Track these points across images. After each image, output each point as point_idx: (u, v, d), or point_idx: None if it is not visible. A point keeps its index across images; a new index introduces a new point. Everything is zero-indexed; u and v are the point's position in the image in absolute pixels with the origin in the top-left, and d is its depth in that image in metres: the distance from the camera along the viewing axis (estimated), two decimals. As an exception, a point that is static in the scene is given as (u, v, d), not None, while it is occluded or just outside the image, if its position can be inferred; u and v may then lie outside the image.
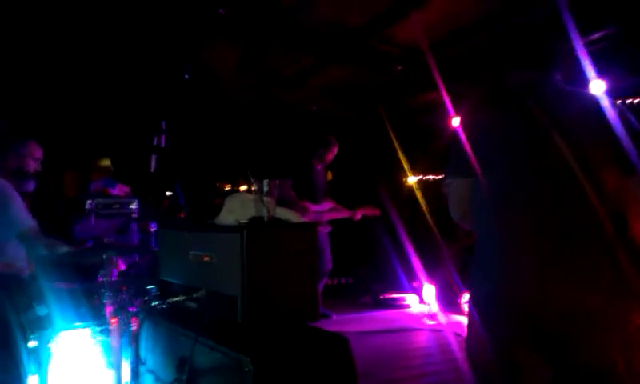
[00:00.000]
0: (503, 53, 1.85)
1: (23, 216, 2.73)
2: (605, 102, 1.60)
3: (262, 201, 1.88)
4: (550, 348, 1.54)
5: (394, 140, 6.40)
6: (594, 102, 1.62)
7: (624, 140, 1.54)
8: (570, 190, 1.53)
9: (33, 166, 2.90)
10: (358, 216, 4.89)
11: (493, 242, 1.68)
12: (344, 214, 4.84)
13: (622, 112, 1.60)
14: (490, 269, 1.68)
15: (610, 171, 1.54)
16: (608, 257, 1.50)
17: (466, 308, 5.30)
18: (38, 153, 2.95)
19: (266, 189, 1.88)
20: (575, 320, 1.49)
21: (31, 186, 2.91)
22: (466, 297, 5.33)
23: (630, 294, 1.48)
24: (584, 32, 3.88)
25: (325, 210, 4.76)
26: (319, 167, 5.08)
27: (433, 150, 6.38)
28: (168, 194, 3.34)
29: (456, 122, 5.36)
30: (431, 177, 7.16)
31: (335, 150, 5.11)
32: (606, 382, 1.49)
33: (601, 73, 4.23)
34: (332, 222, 4.85)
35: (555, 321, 1.51)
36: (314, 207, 4.62)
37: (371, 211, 5.11)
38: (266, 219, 1.87)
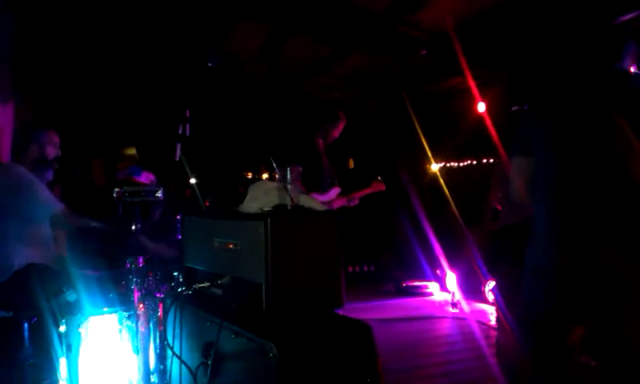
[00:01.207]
0: (528, 37, 1.90)
1: (52, 199, 2.80)
2: None
3: (286, 188, 1.88)
4: (600, 324, 1.56)
5: (418, 126, 6.32)
6: None
7: None
8: (628, 169, 1.60)
9: (53, 152, 2.96)
10: (355, 202, 4.49)
11: (550, 219, 1.75)
12: (342, 202, 4.42)
13: None
14: (548, 244, 1.74)
15: None
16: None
17: (490, 296, 5.25)
18: (56, 138, 3.00)
19: (289, 176, 1.88)
20: (632, 293, 1.54)
21: (50, 174, 2.97)
22: (490, 284, 5.28)
23: None
24: (617, 13, 3.76)
25: (333, 199, 4.33)
26: (322, 146, 4.51)
27: (457, 136, 6.29)
28: (192, 181, 3.36)
29: (481, 107, 5.27)
30: (455, 163, 7.07)
31: (341, 126, 4.53)
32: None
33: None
34: (343, 210, 4.43)
35: (608, 296, 1.56)
36: (320, 197, 4.16)
37: (373, 189, 4.66)
38: (289, 207, 1.87)
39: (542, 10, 3.94)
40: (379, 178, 4.66)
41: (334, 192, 4.34)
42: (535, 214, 1.82)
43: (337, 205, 4.35)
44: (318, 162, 4.35)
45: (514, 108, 3.48)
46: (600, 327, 1.57)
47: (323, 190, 4.25)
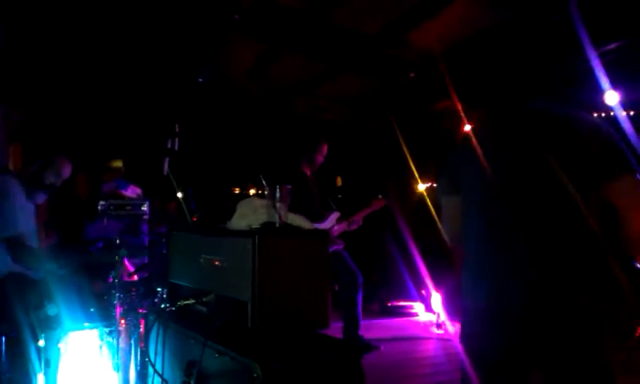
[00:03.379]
0: (505, 65, 1.89)
1: (13, 221, 2.72)
2: (585, 117, 1.63)
3: (274, 206, 1.88)
4: (544, 354, 1.56)
5: (405, 147, 6.38)
6: (574, 120, 1.63)
7: (609, 147, 1.58)
8: (555, 203, 1.57)
9: (51, 178, 2.93)
10: (354, 226, 4.40)
11: (480, 254, 1.74)
12: (342, 227, 4.32)
13: (598, 123, 1.62)
14: (480, 281, 1.73)
15: (596, 180, 1.57)
16: (597, 263, 1.54)
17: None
18: (62, 169, 2.98)
19: (278, 194, 1.88)
20: (568, 325, 1.53)
21: (41, 197, 2.93)
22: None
23: (623, 298, 1.51)
24: (598, 43, 3.85)
25: (332, 225, 4.21)
26: (308, 173, 4.40)
27: (444, 157, 6.35)
28: (179, 195, 3.35)
29: (468, 129, 5.33)
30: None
31: (325, 150, 4.41)
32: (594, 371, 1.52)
33: (614, 84, 4.21)
34: (344, 236, 4.35)
35: (549, 327, 1.54)
36: (320, 225, 4.10)
37: (374, 207, 4.56)
38: (277, 225, 1.87)
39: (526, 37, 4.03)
40: (380, 195, 4.62)
41: (334, 217, 4.25)
42: (469, 249, 1.80)
43: (337, 230, 4.25)
44: (306, 189, 4.27)
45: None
46: (545, 346, 1.56)
47: (318, 218, 4.15)
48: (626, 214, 1.56)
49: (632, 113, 4.66)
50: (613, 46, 4.20)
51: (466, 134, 1.96)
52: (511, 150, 1.68)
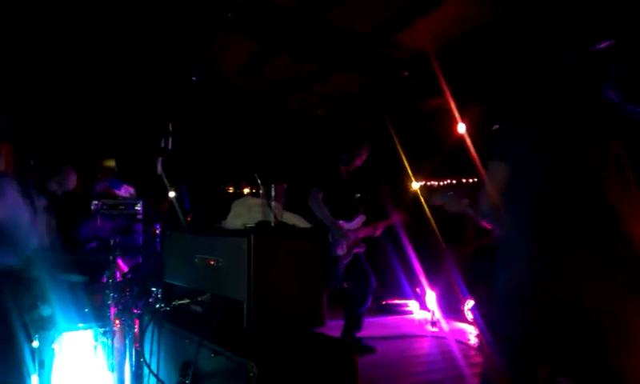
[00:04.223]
0: (508, 60, 1.88)
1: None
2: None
3: (269, 205, 1.88)
4: (570, 348, 1.55)
5: (399, 145, 6.39)
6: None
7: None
8: (593, 194, 1.57)
9: (54, 186, 2.94)
10: (378, 232, 4.46)
11: (520, 240, 1.71)
12: (368, 231, 4.35)
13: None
14: (516, 267, 1.70)
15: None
16: (633, 262, 1.52)
17: (469, 315, 5.28)
18: (66, 179, 2.98)
19: (273, 193, 1.88)
20: (597, 323, 1.51)
21: (42, 201, 2.93)
22: (469, 303, 5.31)
23: None
24: (588, 41, 3.87)
25: (359, 227, 4.24)
26: (344, 172, 4.38)
27: (437, 155, 6.37)
28: (171, 195, 3.34)
29: (462, 127, 5.35)
30: (435, 182, 7.14)
31: (365, 155, 4.42)
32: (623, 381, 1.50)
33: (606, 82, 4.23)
34: (367, 240, 4.37)
35: (577, 323, 1.53)
36: (346, 225, 4.11)
37: (397, 219, 4.68)
38: (272, 224, 1.87)
39: (521, 34, 4.05)
40: (399, 211, 4.68)
41: (360, 220, 4.26)
42: (509, 231, 1.77)
43: (362, 234, 4.26)
44: (343, 189, 4.26)
45: (495, 127, 3.52)
46: (576, 351, 1.55)
47: (347, 217, 4.17)
48: None
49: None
50: (604, 45, 4.23)
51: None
52: (573, 134, 1.68)
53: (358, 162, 4.41)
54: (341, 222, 4.04)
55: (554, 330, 1.58)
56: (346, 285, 4.24)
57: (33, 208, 2.81)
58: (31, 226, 2.79)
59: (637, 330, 1.49)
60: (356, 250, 4.15)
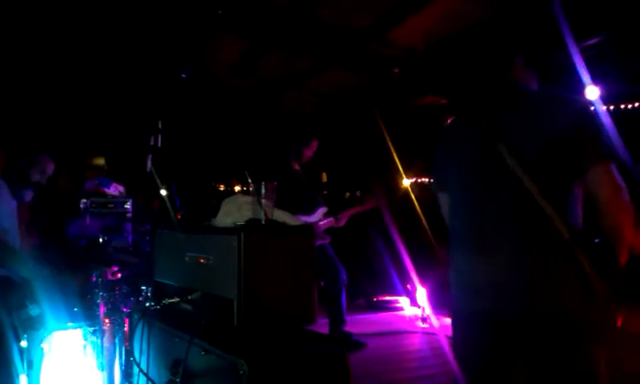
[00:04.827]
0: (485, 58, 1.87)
1: None
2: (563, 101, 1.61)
3: (260, 203, 1.87)
4: (531, 354, 1.56)
5: (390, 142, 6.40)
6: (552, 101, 1.62)
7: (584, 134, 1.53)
8: (521, 198, 1.52)
9: (37, 177, 2.90)
10: (342, 222, 4.43)
11: (460, 250, 1.75)
12: (330, 222, 4.34)
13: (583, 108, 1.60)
14: (460, 278, 1.75)
15: (570, 173, 1.54)
16: (567, 262, 1.50)
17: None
18: (47, 167, 2.95)
19: (263, 191, 1.88)
20: (551, 327, 1.51)
21: (28, 194, 2.90)
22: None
23: (593, 296, 1.49)
24: (579, 38, 3.90)
25: (319, 219, 4.23)
26: (297, 167, 4.43)
27: (428, 152, 6.40)
28: (162, 193, 3.32)
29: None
30: (426, 179, 7.17)
31: (315, 146, 4.46)
32: (583, 377, 1.51)
33: (595, 79, 4.27)
34: (329, 231, 4.35)
35: (532, 329, 1.54)
36: (307, 218, 4.07)
37: (365, 206, 4.63)
38: (263, 222, 1.86)
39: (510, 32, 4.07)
40: (370, 196, 4.67)
41: (321, 211, 4.27)
42: (451, 251, 1.80)
43: (324, 225, 4.26)
44: (296, 183, 4.27)
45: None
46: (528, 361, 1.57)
47: (306, 211, 4.16)
48: (601, 209, 1.53)
49: (612, 107, 4.74)
50: (593, 41, 4.26)
51: (443, 125, 1.97)
52: (475, 144, 1.67)
53: (309, 154, 4.43)
54: (300, 216, 4.02)
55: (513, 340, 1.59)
56: (322, 283, 4.24)
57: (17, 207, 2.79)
58: (17, 227, 2.77)
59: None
60: (320, 242, 4.14)
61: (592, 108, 1.66)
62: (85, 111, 5.52)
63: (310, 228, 2.06)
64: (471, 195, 1.69)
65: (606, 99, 4.53)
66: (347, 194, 6.48)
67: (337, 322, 4.16)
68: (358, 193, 4.67)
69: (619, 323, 1.46)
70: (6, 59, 4.62)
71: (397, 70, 4.99)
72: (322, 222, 4.24)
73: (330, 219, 4.33)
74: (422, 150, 6.55)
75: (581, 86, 4.30)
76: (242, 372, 1.53)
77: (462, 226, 1.73)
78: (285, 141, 4.47)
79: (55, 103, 5.33)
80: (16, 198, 2.79)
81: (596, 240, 1.53)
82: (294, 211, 3.94)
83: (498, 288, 1.59)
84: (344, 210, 4.47)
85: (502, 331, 1.59)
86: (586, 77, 4.18)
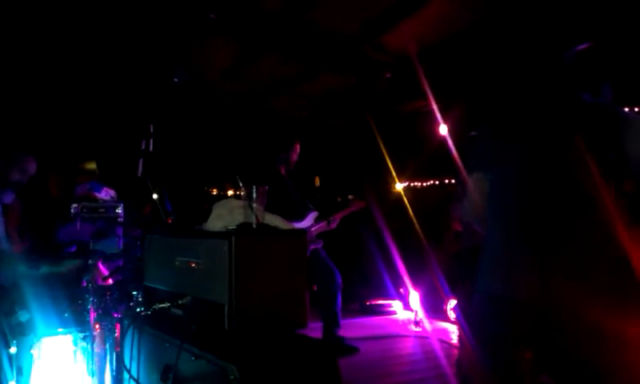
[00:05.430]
0: (492, 62, 1.89)
1: None
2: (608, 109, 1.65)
3: (251, 207, 1.87)
4: (550, 348, 1.57)
5: (382, 147, 6.43)
6: (597, 110, 1.66)
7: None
8: (571, 194, 1.58)
9: (17, 177, 2.85)
10: (333, 225, 4.42)
11: (498, 241, 1.74)
12: (322, 226, 4.35)
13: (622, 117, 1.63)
14: (495, 268, 1.73)
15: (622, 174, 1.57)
16: (610, 262, 1.53)
17: (451, 315, 5.32)
18: (27, 166, 2.90)
19: (254, 195, 1.87)
20: (575, 322, 1.52)
21: (8, 196, 2.86)
22: (452, 303, 5.36)
23: (631, 297, 1.50)
24: (571, 42, 3.94)
25: (311, 224, 4.24)
26: (284, 172, 4.44)
27: (420, 156, 6.42)
28: (154, 197, 3.31)
29: (443, 129, 5.40)
30: (418, 183, 7.19)
31: (298, 148, 4.46)
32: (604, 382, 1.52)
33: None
34: (322, 235, 4.36)
35: (556, 322, 1.55)
36: (297, 225, 4.08)
37: (354, 207, 4.62)
38: (254, 226, 1.86)
39: (502, 37, 4.11)
40: (359, 197, 4.68)
41: (312, 216, 4.28)
42: (488, 235, 1.80)
43: (316, 230, 4.26)
44: (284, 189, 4.28)
45: (472, 133, 3.56)
46: (555, 350, 1.57)
47: (297, 216, 4.16)
48: None
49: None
50: (582, 47, 4.30)
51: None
52: (545, 134, 1.69)
53: (295, 157, 4.45)
54: (291, 223, 4.00)
55: (528, 330, 1.60)
56: (315, 287, 4.24)
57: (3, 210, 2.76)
58: (4, 230, 2.74)
59: (610, 330, 1.52)
60: (313, 247, 4.15)
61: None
62: (76, 115, 5.49)
63: (301, 232, 2.05)
64: (525, 187, 1.70)
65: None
66: (339, 199, 6.48)
67: (331, 325, 4.16)
68: (350, 196, 4.69)
69: None
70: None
71: (389, 75, 5.02)
72: (314, 227, 4.24)
73: (322, 223, 4.34)
74: (414, 154, 6.58)
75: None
76: (232, 377, 1.52)
77: (508, 214, 1.73)
78: (270, 146, 4.49)
79: (46, 107, 5.30)
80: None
81: None
82: (285, 217, 3.97)
83: (539, 277, 1.59)
84: (334, 213, 4.47)
85: (529, 318, 1.60)
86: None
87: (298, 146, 4.46)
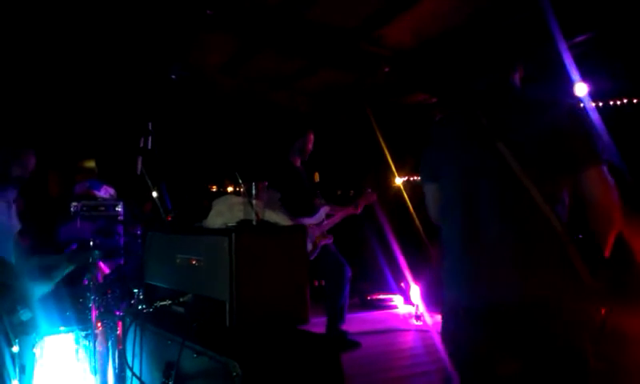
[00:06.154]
0: (478, 56, 1.88)
1: None
2: (559, 102, 1.65)
3: (251, 203, 1.87)
4: (521, 343, 1.58)
5: (382, 141, 6.42)
6: (546, 104, 1.65)
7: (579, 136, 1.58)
8: (517, 193, 1.58)
9: (18, 172, 2.84)
10: (360, 209, 4.42)
11: (453, 245, 1.75)
12: (345, 212, 4.35)
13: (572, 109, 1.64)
14: (452, 274, 1.75)
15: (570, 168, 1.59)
16: (559, 254, 1.55)
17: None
18: (27, 160, 2.88)
19: (254, 191, 1.87)
20: (542, 315, 1.55)
21: (11, 193, 2.85)
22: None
23: (582, 287, 1.53)
24: (568, 35, 3.93)
25: (322, 220, 4.19)
26: (300, 164, 4.38)
27: (420, 150, 6.42)
28: (154, 194, 3.32)
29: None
30: (417, 178, 7.19)
31: (312, 138, 4.40)
32: (572, 365, 1.54)
33: (584, 76, 4.30)
34: (331, 230, 4.32)
35: (524, 318, 1.56)
36: (308, 220, 4.04)
37: (369, 199, 4.61)
38: (254, 222, 1.86)
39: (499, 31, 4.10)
40: (369, 189, 4.68)
41: (323, 211, 4.24)
42: (446, 244, 1.79)
43: (327, 225, 4.22)
44: (300, 182, 4.24)
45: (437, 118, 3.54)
46: (545, 353, 1.57)
47: (309, 212, 4.13)
48: (594, 208, 1.59)
49: (600, 104, 4.78)
50: (582, 38, 4.29)
51: (438, 119, 1.98)
52: (471, 137, 1.69)
53: (310, 147, 4.39)
54: (302, 219, 4.00)
55: (512, 338, 1.60)
56: (323, 282, 4.23)
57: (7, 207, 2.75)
58: (9, 226, 2.74)
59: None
60: (323, 242, 4.14)
61: (583, 108, 1.69)
62: (75, 114, 5.48)
63: (301, 228, 2.05)
64: (466, 189, 1.70)
65: (594, 96, 4.57)
66: (339, 192, 6.48)
67: (336, 320, 4.16)
68: (351, 192, 4.69)
69: (602, 313, 1.50)
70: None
71: (387, 69, 5.00)
72: (325, 222, 4.22)
73: (349, 208, 4.36)
74: (414, 149, 6.57)
75: (570, 83, 4.34)
76: (235, 374, 1.53)
77: (455, 220, 1.73)
78: (282, 138, 4.41)
79: (45, 106, 5.29)
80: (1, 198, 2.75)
81: (579, 236, 1.57)
82: (299, 211, 3.97)
83: (492, 279, 1.61)
84: (357, 199, 4.46)
85: (493, 322, 1.60)
86: (575, 74, 4.22)
87: (312, 135, 4.39)
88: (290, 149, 4.33)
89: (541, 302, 1.54)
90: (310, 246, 3.99)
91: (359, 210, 4.45)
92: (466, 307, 1.67)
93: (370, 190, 4.68)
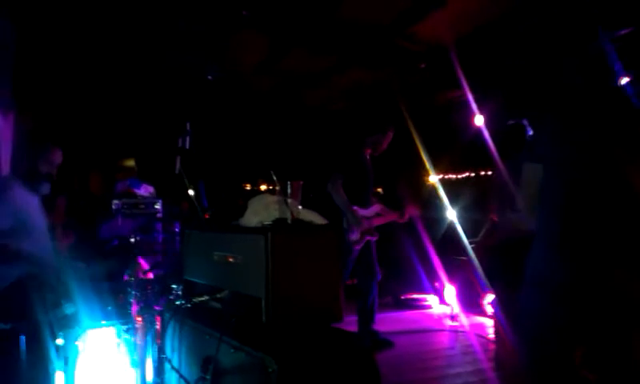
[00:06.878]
0: (527, 50, 1.86)
1: None
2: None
3: (286, 202, 1.89)
4: (602, 342, 1.55)
5: (416, 138, 6.34)
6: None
7: None
8: (632, 183, 1.56)
9: (46, 168, 2.90)
10: (406, 218, 4.39)
11: (556, 229, 1.73)
12: (392, 217, 4.31)
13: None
14: (554, 257, 1.72)
15: None
16: None
17: (488, 309, 5.23)
18: (54, 156, 2.95)
19: (289, 190, 1.89)
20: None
21: (45, 188, 2.92)
22: (489, 297, 5.26)
23: None
24: (611, 28, 3.80)
25: (373, 215, 4.19)
26: (369, 157, 4.31)
27: (455, 148, 6.32)
28: (191, 193, 3.38)
29: (479, 120, 5.29)
30: (453, 175, 7.08)
31: (391, 137, 4.31)
32: None
33: (625, 70, 4.15)
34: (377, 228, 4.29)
35: (618, 309, 1.54)
36: (362, 212, 4.08)
37: (414, 211, 4.56)
38: (289, 221, 1.88)
39: (537, 26, 3.99)
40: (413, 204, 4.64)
41: (375, 208, 4.24)
42: (543, 223, 1.79)
43: (377, 221, 4.21)
44: (365, 174, 4.21)
45: (510, 122, 3.49)
46: (602, 342, 1.54)
47: (364, 204, 4.13)
48: None
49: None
50: (623, 32, 4.14)
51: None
52: (590, 123, 1.69)
53: (385, 145, 4.33)
54: (356, 208, 4.03)
55: (583, 317, 1.58)
56: (355, 281, 4.23)
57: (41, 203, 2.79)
58: (44, 222, 2.80)
59: None
60: (368, 238, 4.12)
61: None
62: (115, 115, 5.64)
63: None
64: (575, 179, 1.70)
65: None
66: (378, 189, 6.44)
67: (367, 319, 4.16)
68: (379, 189, 4.64)
69: None
70: (37, 66, 4.75)
71: (423, 66, 4.94)
72: (375, 219, 4.22)
73: (395, 214, 4.33)
74: (448, 146, 6.47)
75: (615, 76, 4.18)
76: (271, 370, 1.55)
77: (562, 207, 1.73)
78: (364, 125, 4.32)
79: (86, 108, 5.46)
80: (33, 193, 2.81)
81: None
82: (357, 200, 3.99)
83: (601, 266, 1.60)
84: (405, 208, 4.42)
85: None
86: (619, 67, 4.07)
87: (391, 134, 4.32)
88: (365, 140, 4.27)
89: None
90: (357, 235, 4.00)
91: (405, 219, 4.42)
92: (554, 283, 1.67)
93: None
